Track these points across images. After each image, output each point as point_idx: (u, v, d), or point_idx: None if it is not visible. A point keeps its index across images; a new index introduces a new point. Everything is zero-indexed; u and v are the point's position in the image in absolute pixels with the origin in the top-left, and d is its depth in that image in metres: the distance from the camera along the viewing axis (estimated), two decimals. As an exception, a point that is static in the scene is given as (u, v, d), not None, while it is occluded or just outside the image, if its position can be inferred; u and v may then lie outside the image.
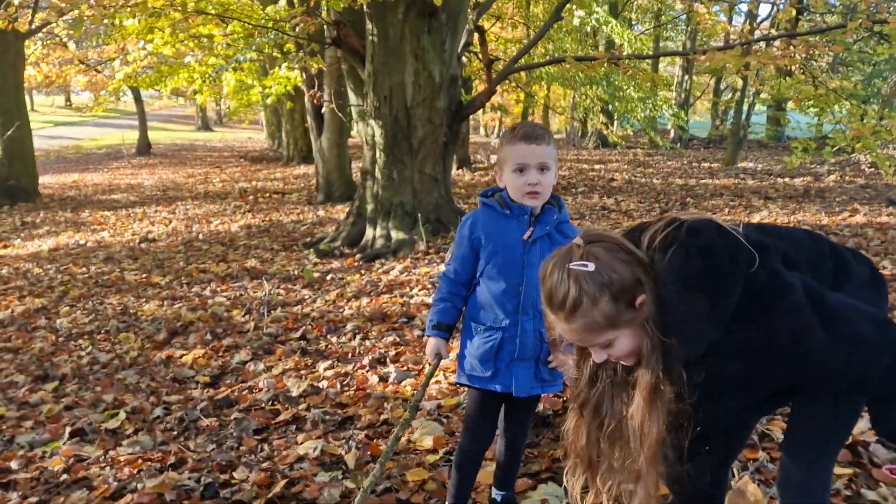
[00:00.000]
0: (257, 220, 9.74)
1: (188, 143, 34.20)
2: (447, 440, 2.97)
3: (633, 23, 23.63)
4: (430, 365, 2.39)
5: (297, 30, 6.42)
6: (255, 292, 5.99)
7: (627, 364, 1.56)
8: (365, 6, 6.15)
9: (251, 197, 12.58)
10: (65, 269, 7.77)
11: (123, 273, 7.30)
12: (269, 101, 15.69)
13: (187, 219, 10.57)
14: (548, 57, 11.81)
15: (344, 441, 3.06)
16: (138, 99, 26.30)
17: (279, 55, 14.18)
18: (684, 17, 22.90)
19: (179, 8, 5.65)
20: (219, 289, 6.21)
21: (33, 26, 10.12)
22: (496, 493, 2.44)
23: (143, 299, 6.18)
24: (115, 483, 2.96)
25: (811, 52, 5.63)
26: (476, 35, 7.05)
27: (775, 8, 16.22)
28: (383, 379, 3.73)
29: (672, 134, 23.10)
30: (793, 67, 7.19)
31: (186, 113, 54.54)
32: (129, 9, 5.74)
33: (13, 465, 3.30)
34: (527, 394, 2.19)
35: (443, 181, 6.96)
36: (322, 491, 2.65)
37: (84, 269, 7.70)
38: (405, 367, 3.84)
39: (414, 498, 2.59)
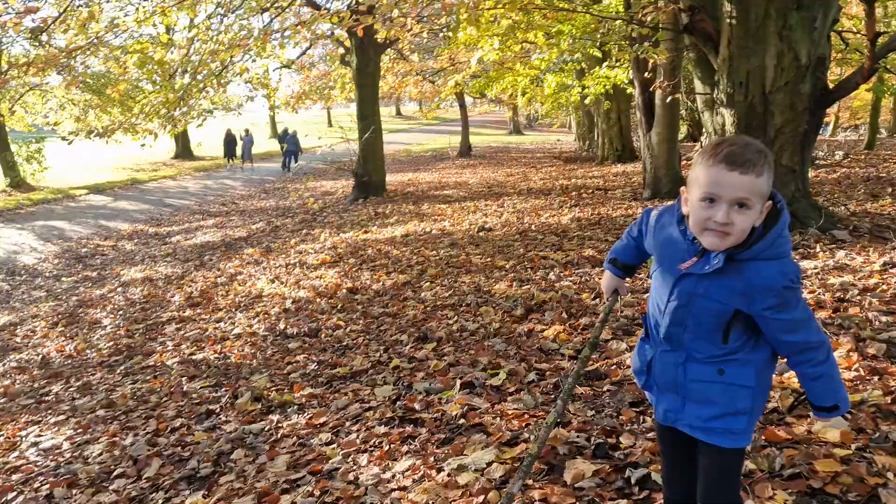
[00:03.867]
0: (586, 214, 9.93)
1: (502, 145, 36.22)
2: (856, 436, 2.72)
3: None
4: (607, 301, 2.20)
5: (648, 19, 6.39)
6: (598, 278, 6.10)
7: None
8: (724, -12, 5.91)
9: (573, 193, 12.87)
10: (418, 251, 8.71)
11: (469, 257, 7.95)
12: (587, 101, 15.96)
13: (517, 212, 11.17)
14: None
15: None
16: (462, 106, 28.55)
17: (598, 54, 14.38)
18: None
19: (544, 7, 5.98)
20: (562, 274, 6.45)
21: (409, 33, 11.48)
22: None
23: (493, 280, 6.67)
24: (509, 432, 3.23)
25: None
26: (848, 9, 6.36)
27: None
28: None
29: None
30: None
31: (499, 118, 57.83)
32: (500, 9, 6.22)
33: (416, 406, 3.78)
34: (666, 423, 1.91)
35: (801, 173, 6.40)
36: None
37: (434, 252, 8.54)
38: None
39: (828, 488, 2.42)
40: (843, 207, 7.66)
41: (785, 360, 1.79)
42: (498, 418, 3.43)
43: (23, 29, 8.52)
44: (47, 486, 3.72)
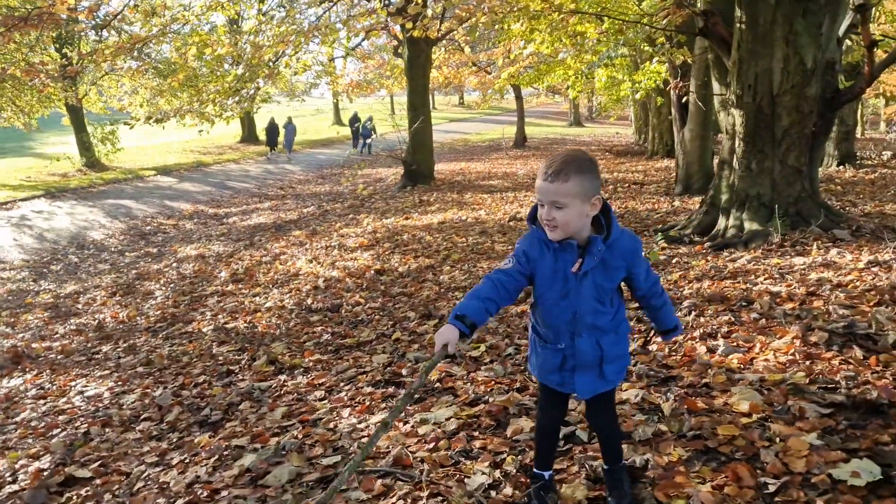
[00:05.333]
0: (614, 207, 10.19)
1: (559, 137, 36.23)
2: (763, 409, 3.06)
3: None
4: None
5: (664, 22, 6.65)
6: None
7: None
8: (736, -7, 6.13)
9: (611, 187, 13.10)
10: (449, 238, 9.17)
11: (494, 244, 8.38)
12: (637, 95, 16.04)
13: (551, 203, 11.49)
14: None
15: (663, 394, 3.34)
16: (518, 97, 28.76)
17: (649, 49, 14.47)
18: None
19: (556, 10, 6.32)
20: (571, 263, 6.81)
21: (440, 34, 11.97)
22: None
23: (507, 266, 7.07)
24: (473, 395, 3.67)
25: None
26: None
27: None
28: (711, 350, 3.88)
29: None
30: None
31: (560, 109, 57.58)
32: (514, 13, 6.60)
33: (403, 371, 4.27)
34: (590, 396, 2.34)
35: (808, 173, 6.57)
36: (637, 427, 2.99)
37: (463, 239, 9.00)
38: (735, 344, 3.93)
39: (721, 448, 2.78)
40: (860, 208, 7.75)
41: (640, 301, 2.38)
42: (468, 384, 3.88)
43: (94, 19, 9.31)
44: (86, 425, 4.37)
